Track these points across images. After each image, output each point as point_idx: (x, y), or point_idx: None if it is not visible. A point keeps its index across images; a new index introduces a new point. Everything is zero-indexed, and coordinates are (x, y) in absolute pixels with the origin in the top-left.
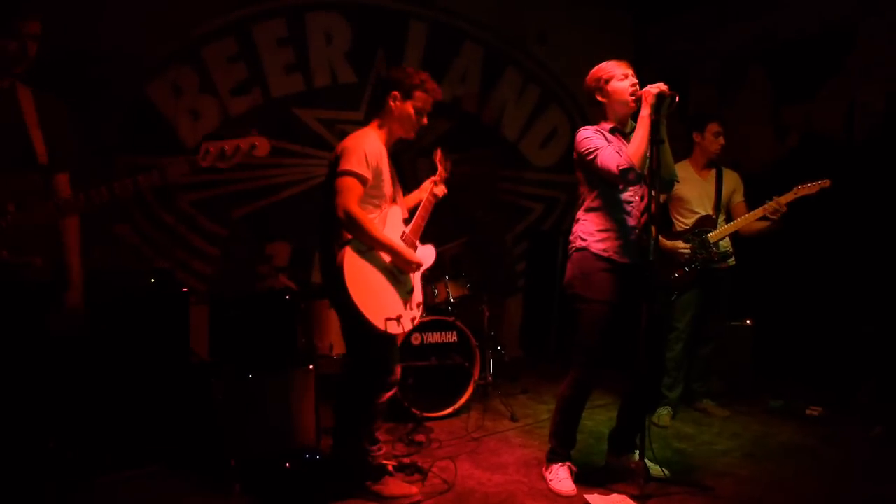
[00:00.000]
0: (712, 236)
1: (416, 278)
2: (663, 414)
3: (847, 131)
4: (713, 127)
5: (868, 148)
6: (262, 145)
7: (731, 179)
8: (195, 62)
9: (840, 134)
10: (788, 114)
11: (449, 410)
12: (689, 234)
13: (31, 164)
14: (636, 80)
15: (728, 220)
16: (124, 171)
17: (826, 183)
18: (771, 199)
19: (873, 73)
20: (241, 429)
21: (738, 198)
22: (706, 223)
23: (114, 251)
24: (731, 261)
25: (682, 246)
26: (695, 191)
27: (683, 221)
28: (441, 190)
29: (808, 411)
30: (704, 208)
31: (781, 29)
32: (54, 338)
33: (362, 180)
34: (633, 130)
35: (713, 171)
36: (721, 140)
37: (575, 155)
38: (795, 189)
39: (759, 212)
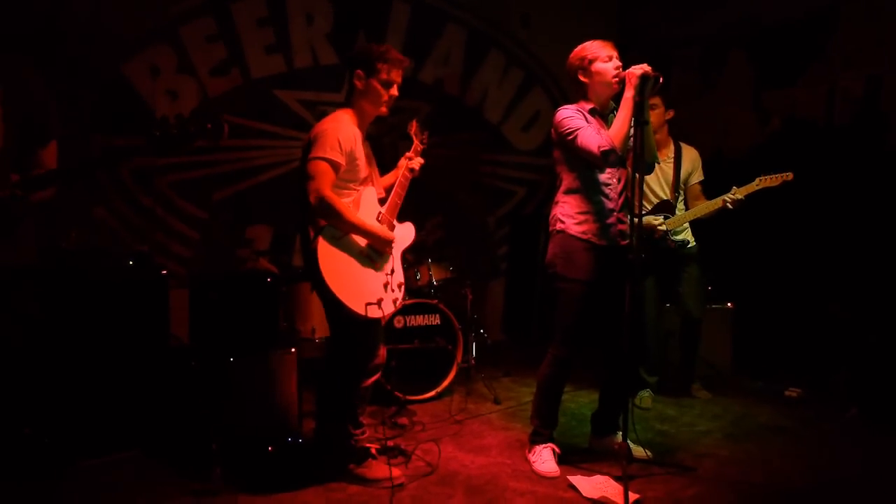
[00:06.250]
0: (670, 223)
1: (395, 259)
2: (645, 396)
3: (827, 116)
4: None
5: (847, 133)
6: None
7: (690, 159)
8: (173, 41)
9: (821, 119)
10: (770, 98)
11: (432, 393)
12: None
13: None
14: (620, 63)
15: (685, 200)
16: (100, 151)
17: (789, 176)
18: (730, 191)
19: (853, 59)
20: (221, 412)
21: (696, 178)
22: (665, 208)
23: (91, 234)
24: (691, 246)
25: (655, 220)
26: (652, 174)
27: (643, 205)
28: (417, 162)
29: (786, 393)
30: (663, 191)
31: (763, 14)
32: (34, 322)
33: (335, 166)
34: (613, 112)
35: (671, 151)
36: (667, 115)
37: (553, 134)
38: (757, 180)
39: (718, 202)
